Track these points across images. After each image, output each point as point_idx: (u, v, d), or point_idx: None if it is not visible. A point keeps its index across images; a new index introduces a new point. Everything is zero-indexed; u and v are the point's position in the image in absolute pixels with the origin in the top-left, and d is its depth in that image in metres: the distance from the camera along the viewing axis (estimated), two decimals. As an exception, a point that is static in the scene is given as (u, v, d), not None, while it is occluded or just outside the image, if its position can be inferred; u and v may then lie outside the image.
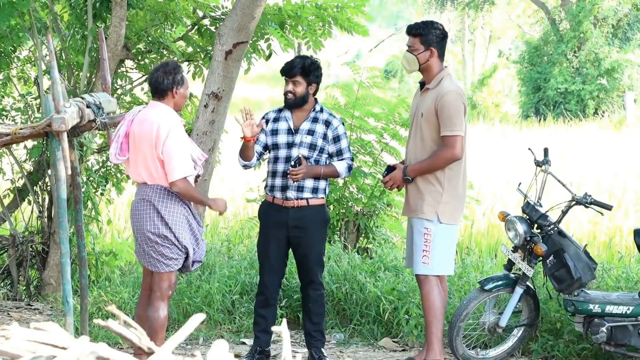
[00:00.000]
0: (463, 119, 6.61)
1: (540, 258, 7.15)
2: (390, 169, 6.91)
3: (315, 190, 6.81)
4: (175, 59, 9.59)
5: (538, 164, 7.35)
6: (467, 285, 8.07)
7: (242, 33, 8.56)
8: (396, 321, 7.84)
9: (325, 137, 6.81)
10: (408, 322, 7.75)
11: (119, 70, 9.42)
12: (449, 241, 6.77)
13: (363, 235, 9.50)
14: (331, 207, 9.40)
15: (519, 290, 7.13)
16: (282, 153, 6.83)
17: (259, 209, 7.14)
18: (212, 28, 9.56)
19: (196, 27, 9.71)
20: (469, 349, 7.21)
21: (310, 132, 6.79)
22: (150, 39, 9.30)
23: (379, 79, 10.07)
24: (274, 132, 6.86)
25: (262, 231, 6.98)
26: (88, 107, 6.32)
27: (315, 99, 6.92)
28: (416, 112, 6.82)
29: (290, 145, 6.79)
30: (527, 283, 7.18)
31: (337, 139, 6.85)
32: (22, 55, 9.82)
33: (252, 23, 8.59)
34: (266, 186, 6.99)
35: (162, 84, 6.15)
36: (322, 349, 7.02)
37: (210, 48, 9.42)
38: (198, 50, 9.71)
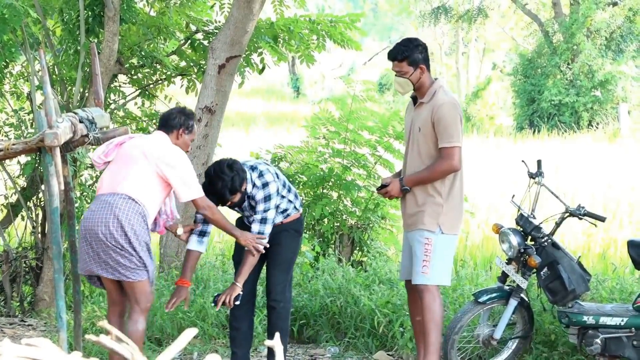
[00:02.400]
0: (460, 129, 6.61)
1: (534, 270, 7.16)
2: (383, 186, 6.89)
3: (285, 214, 6.71)
4: (169, 73, 9.62)
5: (531, 176, 7.37)
6: (461, 297, 8.08)
7: (235, 47, 8.59)
8: (391, 334, 7.84)
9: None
10: (403, 334, 7.75)
11: (112, 85, 9.44)
12: (449, 252, 6.74)
13: (357, 248, 9.50)
14: (325, 220, 9.40)
15: (513, 302, 7.13)
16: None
17: (236, 222, 6.91)
18: (205, 42, 9.59)
19: (189, 41, 9.74)
20: (464, 362, 7.22)
21: (251, 207, 6.58)
22: (143, 53, 9.32)
23: (373, 92, 10.09)
24: (231, 206, 6.69)
25: (237, 242, 6.78)
26: (81, 122, 6.32)
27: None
28: (412, 126, 6.81)
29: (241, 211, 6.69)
30: (521, 295, 7.18)
31: (256, 204, 6.59)
32: (15, 71, 9.83)
33: (245, 37, 8.61)
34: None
35: (172, 121, 6.18)
36: None
37: (203, 62, 9.45)
38: (191, 64, 9.73)
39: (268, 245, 6.50)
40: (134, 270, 5.92)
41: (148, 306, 6.08)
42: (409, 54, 6.72)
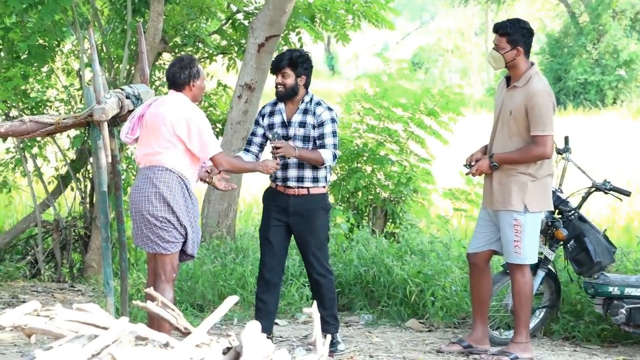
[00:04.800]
0: (552, 118, 6.52)
1: (561, 242, 7.11)
2: (470, 165, 6.79)
3: (315, 180, 6.59)
4: (211, 51, 9.60)
5: (559, 151, 7.30)
6: (491, 269, 8.01)
7: (274, 27, 8.55)
8: (422, 303, 7.81)
9: (314, 127, 6.59)
10: (434, 303, 7.71)
11: (157, 63, 9.44)
12: (536, 230, 6.67)
13: (390, 220, 9.46)
14: (359, 193, 9.37)
15: (540, 274, 7.09)
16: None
17: (263, 194, 6.87)
18: (246, 22, 9.56)
19: (230, 21, 9.71)
20: (493, 330, 7.18)
21: (302, 124, 6.56)
22: (186, 32, 9.30)
23: (407, 70, 10.03)
24: (271, 126, 6.63)
25: (264, 215, 6.75)
26: (127, 98, 6.30)
27: (307, 90, 6.65)
28: (502, 107, 6.66)
29: (286, 138, 6.56)
30: (549, 266, 7.13)
31: (320, 125, 6.55)
32: (66, 49, 9.84)
33: (284, 17, 8.58)
34: (270, 176, 6.76)
35: (179, 79, 6.04)
36: (336, 334, 6.77)
37: (243, 41, 9.42)
38: (232, 43, 9.71)
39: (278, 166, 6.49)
40: (171, 244, 5.93)
41: (173, 277, 6.05)
42: (511, 32, 6.59)
